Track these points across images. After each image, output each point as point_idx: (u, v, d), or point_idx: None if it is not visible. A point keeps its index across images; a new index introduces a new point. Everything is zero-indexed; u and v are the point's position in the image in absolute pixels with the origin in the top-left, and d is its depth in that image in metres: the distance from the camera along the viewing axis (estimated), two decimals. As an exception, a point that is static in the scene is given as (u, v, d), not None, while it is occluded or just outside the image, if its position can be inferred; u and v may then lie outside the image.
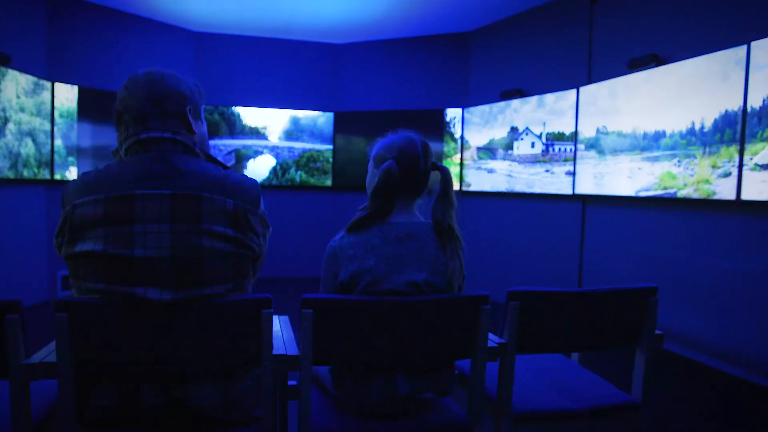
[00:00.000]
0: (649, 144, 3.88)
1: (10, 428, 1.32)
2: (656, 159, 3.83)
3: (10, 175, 4.45)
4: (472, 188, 5.91)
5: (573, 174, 4.70)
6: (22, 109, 4.54)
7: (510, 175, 5.44)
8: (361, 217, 1.54)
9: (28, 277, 4.71)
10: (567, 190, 4.78)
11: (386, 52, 6.48)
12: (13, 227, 4.53)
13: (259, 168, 6.58)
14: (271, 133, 6.54)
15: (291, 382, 1.71)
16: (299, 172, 6.66)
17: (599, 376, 1.92)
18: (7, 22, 4.48)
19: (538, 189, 5.11)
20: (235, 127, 6.44)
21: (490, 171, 5.69)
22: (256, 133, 6.51)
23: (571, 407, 1.63)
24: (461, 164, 6.04)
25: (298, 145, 6.62)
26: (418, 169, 1.59)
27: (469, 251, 5.70)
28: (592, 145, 4.48)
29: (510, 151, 5.43)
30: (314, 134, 6.65)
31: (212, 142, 6.37)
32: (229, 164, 6.48)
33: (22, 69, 4.56)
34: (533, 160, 5.17)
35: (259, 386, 1.44)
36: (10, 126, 4.42)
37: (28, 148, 4.63)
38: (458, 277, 1.54)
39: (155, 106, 1.40)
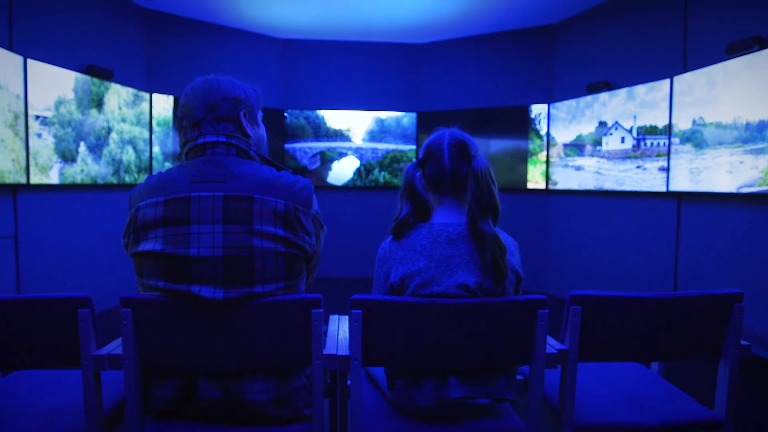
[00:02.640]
0: (753, 135, 3.54)
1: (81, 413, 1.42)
2: (761, 151, 3.48)
3: (113, 180, 4.83)
4: (559, 186, 5.68)
5: (667, 170, 4.39)
6: (123, 120, 4.92)
7: (599, 173, 5.18)
8: (397, 223, 1.52)
9: (129, 276, 5.09)
10: (660, 187, 4.47)
11: (467, 49, 6.37)
12: (117, 229, 4.90)
13: (344, 169, 6.70)
14: (355, 135, 6.64)
15: (350, 382, 1.72)
16: (383, 173, 6.72)
17: (680, 389, 1.77)
18: (110, 41, 4.86)
19: (628, 186, 4.82)
20: (319, 130, 6.60)
21: (578, 168, 5.44)
22: (340, 136, 6.63)
23: (641, 421, 1.51)
24: (547, 162, 5.82)
25: (382, 146, 6.68)
26: (443, 168, 1.52)
27: (556, 252, 5.51)
28: (688, 138, 4.16)
29: (598, 147, 5.17)
30: (398, 135, 6.68)
31: (298, 145, 6.57)
32: (313, 166, 6.67)
33: (123, 82, 4.95)
34: (623, 156, 4.88)
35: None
36: (113, 135, 4.81)
37: (129, 155, 5.02)
38: (503, 280, 1.44)
39: (209, 111, 1.46)
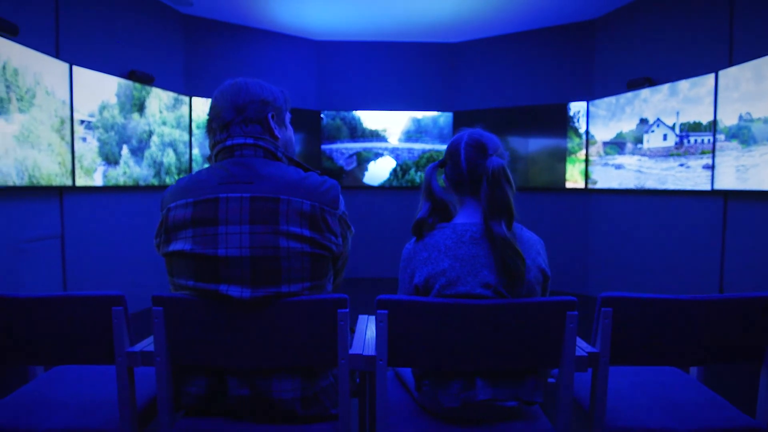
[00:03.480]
0: (804, 131, 3.38)
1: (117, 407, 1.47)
2: (812, 148, 3.32)
3: (155, 182, 4.97)
4: (599, 186, 5.55)
5: (711, 168, 4.23)
6: (164, 123, 5.05)
7: (640, 171, 5.03)
8: (415, 223, 1.52)
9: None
10: (705, 186, 4.31)
11: (504, 47, 6.30)
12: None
13: (380, 170, 6.71)
14: (391, 135, 6.64)
15: (378, 382, 1.72)
16: (419, 173, 6.70)
17: (720, 395, 1.70)
18: (150, 47, 5.01)
19: (671, 185, 4.67)
20: (356, 131, 6.63)
21: (618, 167, 5.30)
22: (377, 136, 6.64)
23: (676, 427, 1.45)
24: (586, 160, 5.70)
25: (418, 146, 6.66)
26: (460, 168, 1.51)
27: (596, 252, 5.36)
28: (734, 134, 4.00)
29: (639, 145, 5.03)
30: (434, 135, 6.66)
31: (334, 146, 6.62)
32: (350, 167, 6.70)
33: (164, 87, 5.08)
34: (665, 154, 4.74)
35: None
36: (154, 138, 4.94)
37: (169, 157, 5.15)
38: (517, 281, 1.42)
39: (238, 113, 1.48)
